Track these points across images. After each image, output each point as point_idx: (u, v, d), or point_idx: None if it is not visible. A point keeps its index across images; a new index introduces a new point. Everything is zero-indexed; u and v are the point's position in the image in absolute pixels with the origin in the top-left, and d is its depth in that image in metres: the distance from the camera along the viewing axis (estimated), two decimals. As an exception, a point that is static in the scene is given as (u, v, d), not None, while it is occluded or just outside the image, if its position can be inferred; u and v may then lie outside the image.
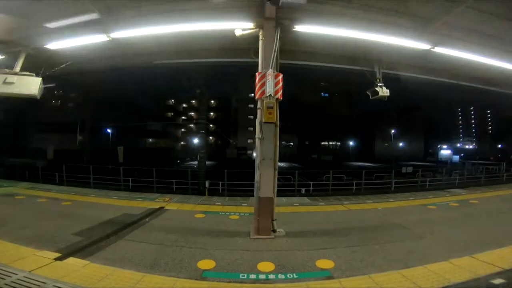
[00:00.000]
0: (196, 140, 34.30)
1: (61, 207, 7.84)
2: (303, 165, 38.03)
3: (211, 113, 56.57)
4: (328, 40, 6.31)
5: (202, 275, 3.99)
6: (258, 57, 5.90)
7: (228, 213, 7.40)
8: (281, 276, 4.01)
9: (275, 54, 5.61)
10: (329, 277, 3.96)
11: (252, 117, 44.01)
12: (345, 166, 38.58)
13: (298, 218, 7.04)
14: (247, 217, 6.85)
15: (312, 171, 22.16)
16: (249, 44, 6.40)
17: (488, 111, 79.98)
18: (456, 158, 42.80)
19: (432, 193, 10.69)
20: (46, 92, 6.53)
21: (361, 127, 57.95)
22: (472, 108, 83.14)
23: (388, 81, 7.82)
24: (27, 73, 6.29)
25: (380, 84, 7.54)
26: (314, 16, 5.64)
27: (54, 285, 3.52)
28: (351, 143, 57.65)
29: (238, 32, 5.77)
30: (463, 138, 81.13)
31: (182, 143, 56.54)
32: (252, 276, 4.00)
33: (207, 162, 13.93)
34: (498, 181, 14.36)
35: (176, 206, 8.12)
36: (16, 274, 3.74)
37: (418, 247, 4.98)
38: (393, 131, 47.68)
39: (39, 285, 3.52)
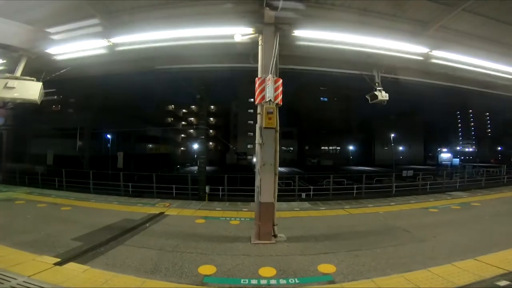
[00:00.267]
0: (196, 146, 34.29)
1: (60, 212, 7.81)
2: (303, 170, 37.92)
3: (211, 119, 56.68)
4: (327, 44, 6.36)
5: (203, 281, 3.95)
6: (257, 62, 5.95)
7: (228, 218, 7.36)
8: (282, 281, 3.96)
9: (275, 59, 5.66)
10: (331, 282, 3.93)
11: (252, 122, 44.10)
12: (345, 170, 38.44)
13: (299, 223, 6.99)
14: (247, 222, 6.82)
15: (312, 175, 22.12)
16: (248, 50, 6.46)
17: (487, 114, 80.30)
18: (456, 161, 42.83)
19: (433, 196, 10.67)
20: (46, 97, 6.55)
21: (360, 131, 58.02)
22: (471, 111, 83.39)
23: (387, 85, 7.87)
24: (28, 77, 6.31)
25: (379, 88, 7.58)
26: (313, 21, 5.71)
27: (53, 291, 3.48)
28: (351, 147, 57.61)
29: (237, 38, 5.82)
30: (463, 141, 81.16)
31: (182, 148, 56.50)
32: (254, 282, 3.96)
33: (207, 168, 13.90)
34: (499, 183, 14.34)
35: (176, 212, 8.08)
36: (16, 279, 3.72)
37: (421, 250, 4.95)
38: (392, 135, 47.67)
39: (38, 291, 3.48)
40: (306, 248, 5.18)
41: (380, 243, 5.38)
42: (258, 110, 5.74)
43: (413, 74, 8.75)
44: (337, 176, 14.96)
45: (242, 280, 4.00)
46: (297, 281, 3.96)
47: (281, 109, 5.84)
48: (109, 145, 30.60)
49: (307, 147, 57.43)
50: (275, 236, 5.68)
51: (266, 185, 5.66)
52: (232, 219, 7.32)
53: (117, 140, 32.04)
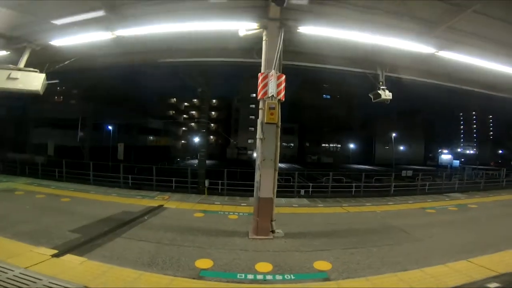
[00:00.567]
0: (196, 139, 34.27)
1: (60, 203, 7.85)
2: (303, 167, 37.97)
3: (213, 113, 56.53)
4: (331, 42, 6.29)
5: (199, 274, 3.99)
6: (261, 58, 5.91)
7: (227, 213, 7.40)
8: (278, 277, 4.00)
9: (278, 55, 5.62)
10: (326, 279, 3.96)
11: (253, 117, 43.95)
12: (345, 168, 38.54)
13: (297, 219, 7.04)
14: (246, 217, 6.85)
15: (312, 172, 22.15)
16: (252, 45, 6.41)
17: (490, 116, 79.87)
18: (456, 162, 42.72)
19: (432, 197, 10.70)
20: (48, 88, 6.54)
21: (362, 129, 57.83)
22: (474, 113, 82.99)
23: (391, 84, 7.81)
24: (31, 69, 6.30)
25: (383, 87, 7.54)
26: (319, 17, 5.64)
27: (50, 282, 3.50)
28: (351, 145, 57.54)
29: (241, 32, 5.76)
30: (464, 143, 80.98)
31: (182, 141, 56.51)
32: (250, 276, 4.00)
33: (207, 161, 13.92)
34: (498, 186, 14.36)
35: (175, 205, 8.12)
36: (12, 271, 3.72)
37: (416, 250, 4.98)
38: (394, 134, 47.57)
39: (35, 282, 3.49)
40: (303, 245, 5.22)
41: (376, 242, 5.42)
42: (260, 105, 5.73)
43: (417, 74, 8.68)
44: (336, 174, 14.98)
45: (238, 274, 4.04)
46: (292, 277, 4.00)
47: (283, 104, 5.82)
48: (110, 136, 30.59)
49: (307, 144, 57.36)
50: (272, 231, 5.71)
51: (265, 180, 5.67)
52: (231, 213, 7.36)
53: (118, 131, 32.03)
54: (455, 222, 7.07)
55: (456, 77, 8.90)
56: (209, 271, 4.10)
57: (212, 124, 51.93)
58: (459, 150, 71.13)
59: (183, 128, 58.62)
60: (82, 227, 5.72)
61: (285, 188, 11.62)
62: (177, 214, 7.26)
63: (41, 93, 6.29)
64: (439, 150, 55.86)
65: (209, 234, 5.63)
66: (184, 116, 60.47)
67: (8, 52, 6.65)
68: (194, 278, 3.88)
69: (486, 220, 7.29)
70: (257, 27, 5.75)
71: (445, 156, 50.14)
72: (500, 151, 65.31)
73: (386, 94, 7.47)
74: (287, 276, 4.02)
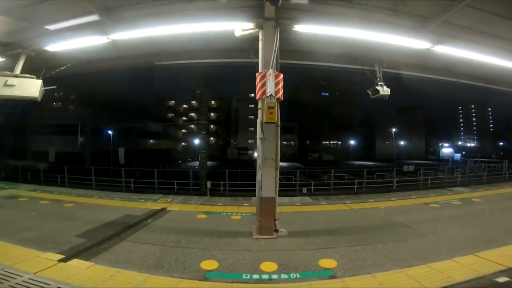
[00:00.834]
0: (197, 141, 34.32)
1: (63, 208, 7.87)
2: (304, 165, 37.98)
3: (212, 114, 56.54)
4: (328, 39, 6.31)
5: (205, 276, 4.00)
6: (258, 58, 5.91)
7: (230, 214, 7.41)
8: (284, 276, 4.00)
9: (275, 54, 5.62)
10: (332, 277, 3.96)
11: (252, 117, 43.99)
12: (346, 165, 38.49)
13: (300, 218, 7.03)
14: (249, 217, 6.86)
15: (313, 170, 22.16)
16: (249, 45, 6.41)
17: (489, 109, 79.82)
18: (457, 156, 42.63)
19: (434, 192, 10.69)
20: (46, 94, 6.54)
21: (362, 126, 57.81)
22: (473, 106, 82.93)
23: (389, 80, 7.82)
24: (28, 75, 6.30)
25: (381, 83, 7.54)
26: (314, 15, 5.65)
27: (58, 287, 3.53)
28: (352, 142, 57.51)
29: (237, 33, 5.77)
30: (465, 136, 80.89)
31: (183, 143, 56.56)
32: (255, 276, 4.00)
33: (208, 163, 13.93)
34: (500, 179, 14.31)
35: (178, 207, 8.13)
36: (21, 276, 3.76)
37: (421, 246, 4.97)
38: (394, 129, 47.53)
39: (43, 287, 3.52)
40: (307, 243, 5.22)
41: (381, 238, 5.41)
42: (259, 105, 5.73)
43: (415, 69, 8.69)
44: (338, 171, 14.99)
45: (244, 275, 4.04)
46: (298, 276, 4.00)
47: (282, 103, 5.82)
48: (110, 140, 30.63)
49: (308, 142, 57.39)
50: (276, 231, 5.71)
51: (267, 180, 5.67)
52: (234, 214, 7.37)
53: (118, 136, 32.07)
54: (459, 216, 7.05)
55: (453, 71, 8.92)
56: (215, 272, 4.11)
57: (212, 126, 51.95)
58: (459, 143, 71.02)
59: (183, 130, 58.68)
60: (87, 231, 5.73)
61: (287, 187, 11.64)
62: (180, 216, 7.27)
63: (39, 99, 6.28)
64: (440, 144, 55.68)
65: (213, 235, 5.64)
66: (184, 118, 60.53)
67: (3, 59, 6.66)
68: (200, 280, 3.89)
69: (490, 214, 7.25)
70: (253, 27, 5.76)
71: (446, 150, 49.96)
72: (501, 143, 65.19)
73: (384, 90, 7.46)
74: (293, 275, 4.02)
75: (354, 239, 5.36)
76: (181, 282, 3.80)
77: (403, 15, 5.72)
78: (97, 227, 6.03)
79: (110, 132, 31.40)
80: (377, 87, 7.50)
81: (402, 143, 54.16)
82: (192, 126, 53.04)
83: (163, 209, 7.79)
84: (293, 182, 12.00)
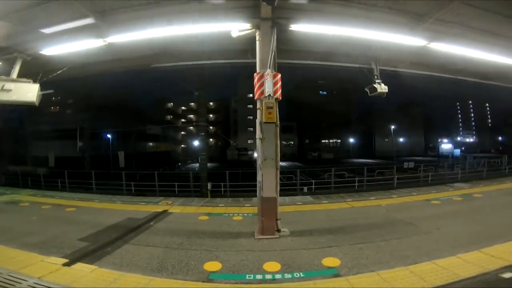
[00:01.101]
0: (196, 143, 34.29)
1: (65, 213, 7.86)
2: (304, 164, 38.00)
3: (211, 115, 56.52)
4: (324, 38, 6.32)
5: (209, 277, 3.99)
6: (255, 58, 5.92)
7: (231, 214, 7.40)
8: (287, 276, 4.00)
9: (273, 54, 5.63)
10: (336, 275, 3.96)
11: (251, 117, 43.93)
12: (346, 163, 38.53)
13: (301, 217, 7.03)
14: (250, 218, 6.86)
15: (314, 169, 22.16)
16: (246, 45, 6.42)
17: (487, 104, 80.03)
18: (457, 151, 42.75)
19: (435, 188, 10.71)
20: (44, 99, 6.52)
21: (361, 124, 57.88)
22: (470, 102, 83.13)
23: (387, 78, 7.84)
24: (25, 79, 6.27)
25: (378, 81, 7.56)
26: (310, 15, 5.65)
27: (63, 291, 3.53)
28: (351, 140, 57.60)
29: (234, 33, 5.77)
30: (463, 132, 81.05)
31: (182, 145, 56.50)
32: (259, 277, 4.00)
33: (208, 164, 13.94)
34: (501, 174, 14.35)
35: (179, 209, 8.13)
36: (26, 281, 3.77)
37: (425, 243, 4.98)
38: (393, 126, 47.60)
39: (49, 292, 3.52)
40: (310, 242, 5.22)
41: (384, 235, 5.42)
42: (258, 105, 5.73)
43: (411, 66, 8.72)
44: (338, 169, 14.99)
45: (247, 275, 4.04)
46: (302, 275, 4.00)
47: (281, 103, 5.82)
48: (110, 144, 30.59)
49: (307, 141, 57.46)
50: (278, 230, 5.71)
51: (268, 180, 5.67)
52: (235, 215, 7.36)
53: (118, 139, 32.05)
54: (461, 212, 7.05)
55: (449, 68, 8.96)
56: (218, 274, 4.11)
57: (211, 127, 51.86)
58: (459, 138, 71.12)
59: (182, 133, 58.60)
60: (90, 235, 5.73)
61: (288, 186, 11.65)
62: (182, 218, 7.27)
63: (37, 104, 6.26)
64: (439, 140, 55.76)
65: (215, 237, 5.63)
66: (183, 120, 60.48)
67: (0, 63, 6.64)
68: (204, 281, 3.89)
69: (492, 210, 7.24)
70: (249, 28, 5.76)
71: (446, 146, 50.08)
72: (500, 138, 65.32)
73: (382, 88, 7.48)
74: (296, 274, 4.02)
75: (356, 237, 5.36)
76: (186, 284, 3.80)
77: (399, 12, 5.75)
78: (99, 231, 6.02)
79: (109, 135, 31.37)
80: (374, 85, 7.52)
81: (401, 140, 54.27)
82: (191, 128, 53.01)
83: (165, 211, 7.79)
84: (294, 182, 12.01)
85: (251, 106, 47.80)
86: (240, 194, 10.45)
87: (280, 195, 6.05)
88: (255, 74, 5.75)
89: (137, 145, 35.64)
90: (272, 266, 4.29)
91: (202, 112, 13.92)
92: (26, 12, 5.17)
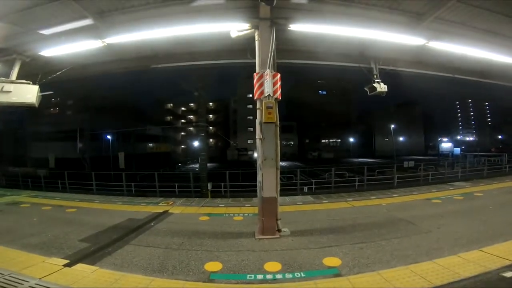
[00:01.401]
0: (196, 143, 34.29)
1: (66, 214, 7.85)
2: (305, 163, 38.00)
3: (211, 116, 56.55)
4: (323, 38, 6.33)
5: (210, 277, 4.00)
6: (255, 58, 5.92)
7: (232, 215, 7.40)
8: (288, 276, 4.00)
9: (272, 54, 5.63)
10: (337, 275, 3.96)
11: (251, 117, 43.96)
12: (347, 162, 38.55)
13: (302, 217, 7.02)
14: (251, 218, 6.86)
15: (314, 169, 22.16)
16: (245, 45, 6.41)
17: (486, 103, 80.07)
18: (457, 150, 42.67)
19: (436, 187, 10.69)
20: (44, 100, 6.52)
21: (360, 123, 57.95)
22: (470, 100, 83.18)
23: (386, 77, 7.84)
24: (24, 81, 6.28)
25: (378, 80, 7.56)
26: (309, 14, 5.65)
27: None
28: (351, 139, 57.61)
29: (233, 34, 5.77)
30: (463, 131, 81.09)
31: (182, 146, 56.51)
32: (259, 277, 4.00)
33: (208, 164, 13.95)
34: (501, 172, 14.34)
35: (180, 210, 8.13)
36: (28, 281, 3.77)
37: (425, 242, 4.97)
38: (392, 126, 47.61)
39: (50, 292, 3.53)
40: (310, 242, 5.22)
41: (384, 235, 5.41)
42: (258, 105, 5.73)
43: (411, 65, 8.73)
44: (338, 168, 15.01)
45: (248, 275, 4.04)
46: (303, 275, 3.99)
47: (280, 103, 5.82)
48: (110, 145, 30.59)
49: (307, 141, 57.46)
50: (279, 230, 5.71)
51: (268, 180, 5.67)
52: (236, 215, 7.36)
53: (118, 140, 32.06)
54: (462, 211, 7.04)
55: (448, 67, 8.97)
56: (219, 274, 4.11)
57: (210, 127, 51.86)
58: (458, 137, 71.13)
59: (182, 133, 58.61)
60: (91, 236, 5.73)
61: (288, 186, 11.65)
62: (183, 218, 7.26)
63: (36, 105, 6.27)
64: (439, 139, 55.77)
65: (215, 237, 5.63)
66: (183, 121, 60.48)
67: (-1, 65, 6.64)
68: (205, 282, 3.89)
69: (493, 208, 7.22)
70: (248, 28, 5.76)
71: (446, 145, 50.04)
72: (500, 137, 65.33)
73: (382, 87, 7.48)
74: (297, 274, 4.02)
75: (357, 237, 5.36)
76: (186, 284, 3.80)
77: (397, 11, 5.76)
78: (100, 232, 6.01)
79: (109, 136, 31.38)
80: (374, 84, 7.53)
81: (401, 139, 54.26)
82: (191, 128, 53.02)
83: (165, 212, 7.78)
84: (294, 181, 12.01)
85: (251, 106, 47.83)
86: (241, 194, 10.44)
87: (280, 195, 6.05)
88: (254, 74, 5.75)
89: (137, 146, 35.67)
90: (273, 266, 4.29)
91: (202, 112, 13.92)
92: (24, 13, 5.18)
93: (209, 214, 7.50)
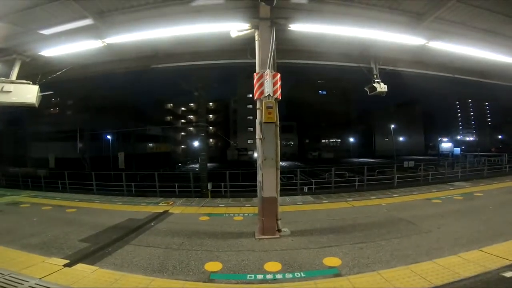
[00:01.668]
0: (196, 143, 34.30)
1: (66, 214, 7.85)
2: (305, 163, 37.99)
3: (211, 116, 56.56)
4: (323, 38, 6.34)
5: (210, 277, 4.00)
6: (255, 58, 5.92)
7: (232, 215, 7.40)
8: (288, 276, 4.00)
9: (272, 54, 5.63)
10: (337, 275, 3.96)
11: (251, 117, 43.97)
12: (347, 162, 38.54)
13: (302, 217, 7.02)
14: (251, 218, 6.86)
15: (314, 169, 22.15)
16: (245, 45, 6.42)
17: (486, 103, 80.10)
18: (457, 150, 42.64)
19: (436, 187, 10.69)
20: (44, 100, 6.52)
21: (360, 123, 57.94)
22: (470, 100, 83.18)
23: (386, 77, 7.85)
24: (24, 81, 6.28)
25: (378, 80, 7.57)
26: (309, 14, 5.66)
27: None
28: (351, 139, 57.61)
29: (233, 34, 5.77)
30: (463, 131, 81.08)
31: (182, 146, 56.52)
32: (260, 277, 4.00)
33: (208, 165, 13.95)
34: (501, 172, 14.33)
35: (180, 210, 8.13)
36: (28, 281, 3.77)
37: (425, 242, 4.96)
38: (393, 126, 47.61)
39: (50, 292, 3.53)
40: (310, 242, 5.22)
41: (384, 235, 5.41)
42: (258, 105, 5.73)
43: (411, 65, 8.74)
44: (338, 168, 15.00)
45: (248, 275, 4.04)
46: (303, 275, 3.99)
47: (280, 103, 5.82)
48: (110, 145, 30.60)
49: (307, 141, 57.47)
50: (279, 230, 5.71)
51: (268, 180, 5.67)
52: (236, 215, 7.36)
53: (117, 140, 32.06)
54: (462, 211, 7.04)
55: (449, 67, 8.98)
56: (219, 274, 4.11)
57: (210, 127, 51.87)
58: (458, 137, 71.10)
59: (182, 133, 58.62)
60: (91, 236, 5.73)
61: (288, 186, 11.64)
62: (183, 218, 7.26)
63: (36, 105, 6.27)
64: (439, 139, 55.75)
65: (216, 237, 5.63)
66: (183, 121, 60.48)
67: (-1, 65, 6.64)
68: (205, 282, 3.89)
69: (493, 208, 7.22)
70: (248, 28, 5.77)
71: (446, 144, 49.99)
72: (500, 136, 65.33)
73: (382, 87, 7.49)
74: (297, 274, 4.02)
75: (357, 237, 5.36)
76: (187, 284, 3.80)
77: (397, 11, 5.77)
78: (100, 232, 6.01)
79: (109, 136, 31.38)
80: (374, 84, 7.53)
81: (401, 139, 54.25)
82: (191, 128, 53.02)
83: (165, 212, 7.78)
84: (294, 181, 12.01)
85: (250, 106, 47.82)
86: (241, 194, 10.44)
87: (280, 195, 6.05)
88: (254, 74, 5.75)
89: (137, 146, 35.69)
90: (273, 266, 4.29)
91: (202, 112, 13.93)
92: (24, 13, 5.19)
93: (209, 214, 7.50)
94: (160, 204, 8.91)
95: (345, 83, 51.89)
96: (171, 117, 59.30)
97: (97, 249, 4.97)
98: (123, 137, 33.21)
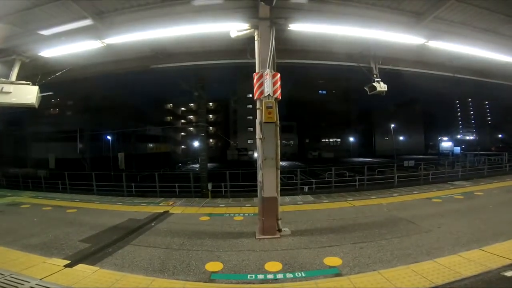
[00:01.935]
0: (196, 143, 34.30)
1: (66, 214, 7.86)
2: (305, 163, 37.96)
3: (210, 116, 56.56)
4: (323, 37, 6.35)
5: (210, 277, 4.00)
6: (254, 58, 5.92)
7: (232, 215, 7.40)
8: (289, 275, 4.00)
9: (272, 53, 5.63)
10: (338, 275, 3.96)
11: (251, 117, 43.97)
12: (347, 162, 38.53)
13: (302, 217, 7.02)
14: (251, 218, 6.86)
15: (314, 168, 22.14)
16: (245, 45, 6.42)
17: (486, 102, 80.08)
18: (457, 150, 42.61)
19: (436, 186, 10.69)
20: (44, 101, 6.52)
21: (360, 123, 57.89)
22: (470, 100, 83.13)
23: (386, 76, 7.85)
24: (24, 82, 6.28)
25: (378, 79, 7.57)
26: (308, 14, 5.67)
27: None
28: (351, 139, 57.58)
29: (233, 34, 5.78)
30: (463, 130, 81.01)
31: (182, 146, 56.51)
32: (260, 277, 4.00)
33: (208, 165, 13.93)
34: (501, 172, 14.31)
35: (180, 210, 8.13)
36: (29, 282, 3.78)
37: (426, 241, 4.97)
38: (393, 125, 47.59)
39: (51, 293, 3.53)
40: (311, 242, 5.22)
41: (385, 234, 5.42)
42: (258, 105, 5.73)
43: (410, 64, 8.75)
44: (338, 168, 14.99)
45: (249, 275, 4.04)
46: (303, 275, 4.00)
47: (280, 103, 5.82)
48: (110, 145, 30.60)
49: (307, 140, 57.46)
50: (279, 230, 5.71)
51: (268, 179, 5.67)
52: (236, 215, 7.36)
53: (118, 140, 32.05)
54: (462, 210, 7.04)
55: (448, 66, 8.99)
56: (220, 274, 4.11)
57: (210, 127, 51.86)
58: (458, 136, 71.03)
59: (182, 133, 58.62)
60: (91, 236, 5.73)
61: (289, 186, 11.63)
62: (183, 218, 7.26)
63: (36, 106, 6.27)
64: (439, 138, 55.70)
65: (216, 237, 5.63)
66: (183, 121, 60.48)
67: (-2, 65, 6.64)
68: (205, 282, 3.89)
69: (493, 207, 7.22)
70: (248, 28, 5.77)
71: (446, 144, 49.94)
72: (500, 136, 65.30)
73: (381, 86, 7.49)
74: (298, 274, 4.02)
75: (358, 236, 5.36)
76: (187, 284, 3.80)
77: (396, 11, 5.79)
78: (100, 232, 6.02)
79: (109, 137, 31.38)
80: (374, 84, 7.54)
81: (401, 138, 54.21)
82: (191, 128, 53.02)
83: (166, 212, 7.79)
84: (294, 181, 12.00)
85: (250, 106, 47.80)
86: (241, 194, 10.45)
87: (280, 195, 6.05)
88: (254, 74, 5.76)
89: (137, 146, 35.69)
90: (273, 266, 4.29)
91: (202, 112, 13.90)
92: (24, 13, 5.19)
93: (209, 214, 7.50)
94: (160, 204, 8.91)
95: (345, 83, 51.82)
96: (171, 117, 59.28)
97: (97, 250, 4.98)
98: (123, 138, 33.20)
